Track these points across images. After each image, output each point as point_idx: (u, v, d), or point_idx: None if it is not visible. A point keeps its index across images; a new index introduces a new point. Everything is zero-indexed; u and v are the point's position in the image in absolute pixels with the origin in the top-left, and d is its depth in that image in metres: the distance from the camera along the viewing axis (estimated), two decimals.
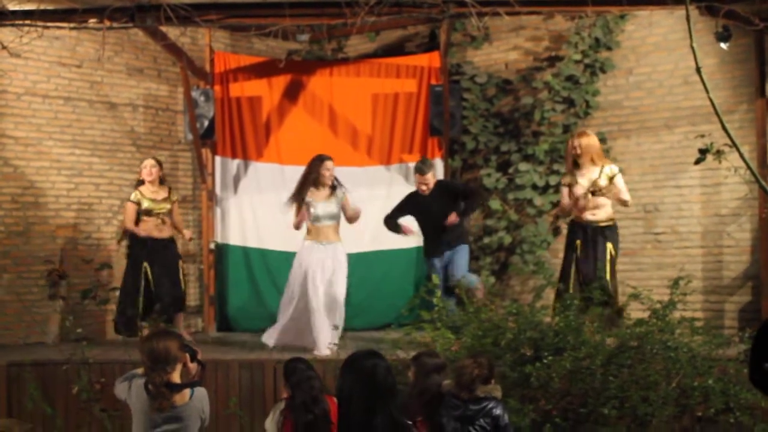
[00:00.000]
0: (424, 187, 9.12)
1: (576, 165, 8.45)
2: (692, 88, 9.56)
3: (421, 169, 9.13)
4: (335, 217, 8.66)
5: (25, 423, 7.57)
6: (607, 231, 8.36)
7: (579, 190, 8.31)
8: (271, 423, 5.66)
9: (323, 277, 8.50)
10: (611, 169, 8.38)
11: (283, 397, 5.76)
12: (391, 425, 3.98)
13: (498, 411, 5.18)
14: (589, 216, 8.33)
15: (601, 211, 8.35)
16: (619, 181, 8.38)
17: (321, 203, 8.59)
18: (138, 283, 9.36)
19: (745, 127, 9.25)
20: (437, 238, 9.10)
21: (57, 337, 9.56)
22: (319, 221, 8.58)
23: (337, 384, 4.17)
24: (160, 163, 9.76)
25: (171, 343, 4.72)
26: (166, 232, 9.59)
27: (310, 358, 6.62)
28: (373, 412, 3.95)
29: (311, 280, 8.46)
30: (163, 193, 9.62)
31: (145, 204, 9.45)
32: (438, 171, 10.77)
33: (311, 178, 8.63)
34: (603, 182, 8.27)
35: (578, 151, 8.35)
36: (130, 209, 9.47)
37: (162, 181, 9.72)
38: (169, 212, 9.65)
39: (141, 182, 9.62)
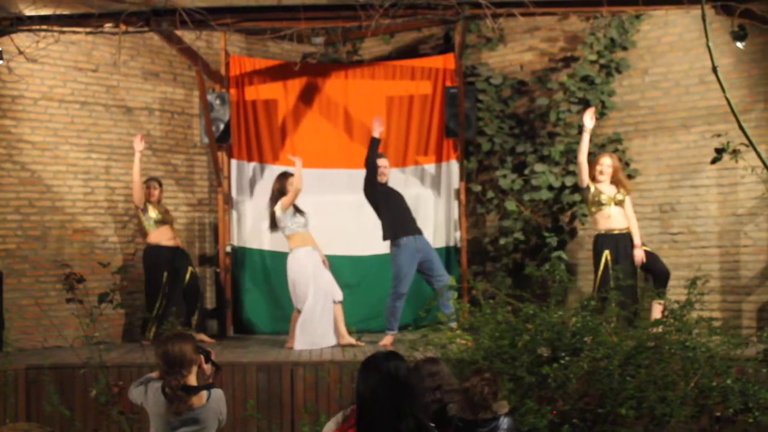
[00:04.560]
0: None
1: (594, 179, 8.87)
2: (708, 87, 9.53)
3: None
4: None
5: (45, 426, 7.58)
6: (629, 238, 8.77)
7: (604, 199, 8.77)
8: None
9: (321, 280, 9.35)
10: (624, 192, 8.85)
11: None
12: (417, 429, 3.89)
13: (505, 425, 4.88)
14: (615, 224, 8.74)
15: (624, 220, 8.78)
16: (628, 204, 8.85)
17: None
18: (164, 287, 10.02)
19: (761, 126, 9.21)
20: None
21: (74, 341, 9.58)
22: (306, 227, 9.45)
23: (356, 387, 4.03)
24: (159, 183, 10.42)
25: (186, 345, 4.71)
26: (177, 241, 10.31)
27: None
28: (400, 415, 3.85)
29: (315, 282, 9.28)
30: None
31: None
32: (453, 172, 10.82)
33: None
34: (620, 197, 8.78)
35: (608, 171, 8.81)
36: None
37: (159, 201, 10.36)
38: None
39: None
